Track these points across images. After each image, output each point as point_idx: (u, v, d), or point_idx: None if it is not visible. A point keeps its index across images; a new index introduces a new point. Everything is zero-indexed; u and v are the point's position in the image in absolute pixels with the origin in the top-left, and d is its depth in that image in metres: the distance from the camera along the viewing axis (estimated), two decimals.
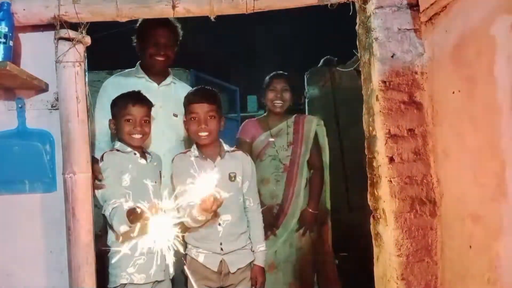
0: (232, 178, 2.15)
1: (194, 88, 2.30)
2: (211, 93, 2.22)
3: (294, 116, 2.85)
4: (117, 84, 2.45)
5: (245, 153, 2.32)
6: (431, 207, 1.72)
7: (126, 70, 2.64)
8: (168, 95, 2.48)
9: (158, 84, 2.53)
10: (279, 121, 2.81)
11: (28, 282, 1.98)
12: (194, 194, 1.83)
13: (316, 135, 2.82)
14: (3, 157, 1.99)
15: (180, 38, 2.57)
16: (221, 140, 2.24)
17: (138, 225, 1.74)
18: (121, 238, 1.98)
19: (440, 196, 1.69)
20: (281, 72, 2.87)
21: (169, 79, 2.56)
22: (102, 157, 2.07)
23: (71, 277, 1.90)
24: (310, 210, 2.72)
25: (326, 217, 2.93)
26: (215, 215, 1.99)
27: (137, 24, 2.51)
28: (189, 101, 2.17)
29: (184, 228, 2.19)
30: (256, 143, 2.78)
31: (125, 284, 2.01)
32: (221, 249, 2.10)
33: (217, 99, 2.20)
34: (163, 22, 2.41)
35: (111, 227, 2.01)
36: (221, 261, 2.09)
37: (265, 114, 2.93)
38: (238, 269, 2.13)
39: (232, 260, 2.11)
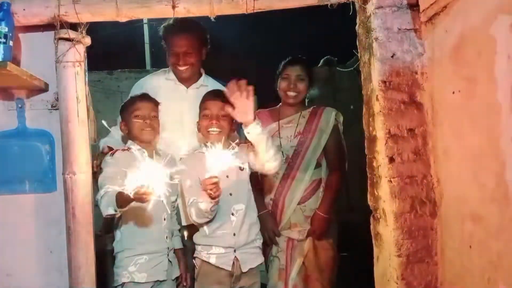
0: (241, 168, 2.16)
1: (210, 89, 2.30)
2: (224, 93, 2.22)
3: (312, 107, 2.56)
4: (145, 85, 2.45)
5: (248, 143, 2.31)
6: (431, 207, 1.72)
7: (161, 70, 2.59)
8: (196, 98, 2.31)
9: (187, 87, 2.48)
10: (293, 112, 2.52)
11: (28, 282, 1.98)
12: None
13: (337, 130, 2.52)
14: (3, 157, 1.99)
15: (208, 41, 2.47)
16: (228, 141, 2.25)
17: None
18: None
19: (440, 196, 1.69)
20: (297, 57, 2.53)
21: (199, 82, 2.49)
22: (114, 152, 2.06)
23: (71, 277, 1.91)
24: (319, 212, 2.40)
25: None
26: (216, 202, 1.94)
27: (160, 31, 2.47)
28: (203, 99, 2.18)
29: (192, 229, 2.19)
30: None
31: (126, 282, 2.02)
32: (234, 242, 2.08)
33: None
34: (181, 29, 2.34)
35: (111, 227, 2.01)
36: (233, 261, 2.08)
37: (280, 104, 2.60)
38: (250, 269, 2.12)
39: (245, 259, 2.11)
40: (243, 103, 1.93)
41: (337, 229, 2.56)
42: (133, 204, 1.77)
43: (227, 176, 2.07)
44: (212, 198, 1.88)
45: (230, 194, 2.10)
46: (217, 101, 2.12)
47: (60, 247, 1.96)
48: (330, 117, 2.51)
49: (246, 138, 2.14)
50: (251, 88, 1.93)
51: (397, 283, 1.72)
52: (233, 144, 2.22)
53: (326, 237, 2.46)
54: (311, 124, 2.49)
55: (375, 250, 1.91)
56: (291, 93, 2.46)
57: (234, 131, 2.27)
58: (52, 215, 1.98)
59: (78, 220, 1.90)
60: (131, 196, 1.66)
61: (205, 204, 1.92)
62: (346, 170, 2.56)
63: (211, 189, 1.83)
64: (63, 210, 1.93)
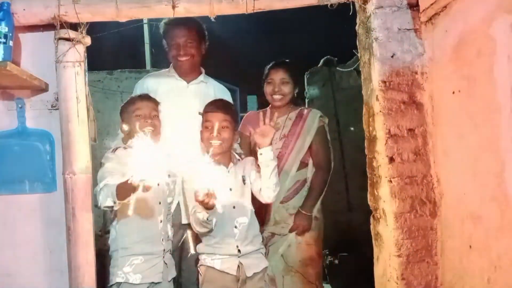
0: (244, 181, 2.18)
1: (212, 100, 2.31)
2: (226, 104, 2.26)
3: (299, 109, 2.65)
4: (147, 83, 2.50)
5: (251, 156, 2.35)
6: (431, 207, 1.72)
7: (161, 70, 2.67)
8: (197, 94, 2.47)
9: (188, 82, 2.54)
10: (281, 114, 2.56)
11: (28, 282, 1.98)
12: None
13: (322, 131, 2.60)
14: (3, 157, 1.99)
15: (206, 37, 2.54)
16: (232, 152, 2.26)
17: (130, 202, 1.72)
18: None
19: (440, 196, 1.69)
20: (280, 61, 2.64)
21: (199, 79, 2.56)
22: (115, 150, 2.06)
23: (71, 277, 1.91)
24: (302, 211, 2.49)
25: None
26: (211, 207, 1.91)
27: (161, 28, 2.53)
28: (205, 111, 2.20)
29: (196, 237, 2.19)
30: (254, 136, 2.57)
31: (121, 283, 2.00)
32: (238, 250, 2.09)
33: (232, 110, 2.22)
34: (181, 21, 2.40)
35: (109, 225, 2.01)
36: (238, 265, 2.08)
37: (270, 106, 2.68)
38: (254, 273, 2.12)
39: (249, 264, 2.10)
40: (267, 128, 2.08)
41: (322, 226, 2.61)
42: (132, 198, 1.77)
43: (230, 189, 2.09)
44: (207, 209, 1.88)
45: (234, 207, 2.10)
46: (219, 112, 2.14)
47: (60, 247, 1.96)
48: (315, 120, 2.60)
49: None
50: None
51: (397, 283, 1.72)
52: (237, 156, 2.24)
53: (309, 232, 2.53)
54: (296, 126, 2.58)
55: (375, 250, 1.91)
56: (277, 96, 2.57)
57: (237, 141, 2.27)
58: (52, 215, 1.98)
59: (78, 220, 1.90)
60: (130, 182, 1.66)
61: (201, 214, 1.93)
62: (332, 169, 2.63)
63: (203, 200, 1.81)
64: (63, 210, 1.93)
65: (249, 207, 2.18)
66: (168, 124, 2.30)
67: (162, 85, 2.47)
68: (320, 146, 2.59)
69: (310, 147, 2.57)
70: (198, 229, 2.04)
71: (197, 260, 2.18)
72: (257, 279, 2.13)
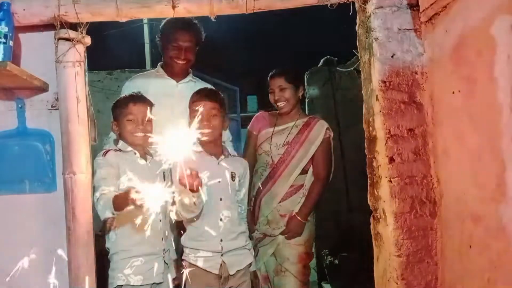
0: (233, 177, 2.19)
1: (197, 89, 2.32)
2: (213, 92, 2.28)
3: (308, 117, 2.71)
4: (135, 84, 2.50)
5: (246, 160, 2.40)
6: (431, 207, 1.72)
7: (147, 72, 2.73)
8: (186, 93, 2.47)
9: (177, 82, 2.59)
10: (288, 120, 2.67)
11: (28, 282, 1.98)
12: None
13: (327, 143, 2.63)
14: (3, 157, 1.99)
15: (202, 40, 2.60)
16: (223, 145, 2.29)
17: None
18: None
19: (440, 196, 1.69)
20: (277, 70, 2.68)
21: (188, 78, 2.61)
22: (105, 153, 2.06)
23: (71, 277, 1.91)
24: (298, 217, 2.54)
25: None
26: (197, 189, 1.88)
27: (161, 24, 2.56)
28: (192, 101, 2.20)
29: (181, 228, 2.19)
30: (260, 136, 2.70)
31: (122, 286, 1.99)
32: (221, 247, 2.09)
33: (219, 98, 2.24)
34: (186, 25, 2.45)
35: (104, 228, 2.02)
36: (221, 264, 2.09)
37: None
38: (238, 271, 2.13)
39: (232, 262, 2.11)
40: None
41: (314, 228, 2.67)
42: (129, 208, 1.77)
43: (219, 181, 2.08)
44: (192, 191, 1.85)
45: (220, 199, 2.12)
46: (207, 101, 2.15)
47: (60, 247, 1.95)
48: (321, 131, 2.63)
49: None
50: None
51: (397, 283, 1.72)
52: (229, 150, 2.26)
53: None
54: (301, 135, 2.62)
55: (375, 250, 1.91)
56: (280, 104, 2.64)
57: (226, 128, 2.28)
58: (52, 215, 1.98)
59: (78, 220, 1.90)
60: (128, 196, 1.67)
61: (187, 198, 1.91)
62: (331, 180, 2.68)
63: (185, 182, 1.78)
64: (63, 210, 1.93)
65: (235, 203, 2.20)
66: (158, 123, 2.30)
67: (151, 85, 2.50)
68: (322, 158, 2.62)
69: (312, 157, 2.61)
70: (185, 214, 2.02)
71: (182, 252, 2.18)
72: (239, 275, 2.15)
